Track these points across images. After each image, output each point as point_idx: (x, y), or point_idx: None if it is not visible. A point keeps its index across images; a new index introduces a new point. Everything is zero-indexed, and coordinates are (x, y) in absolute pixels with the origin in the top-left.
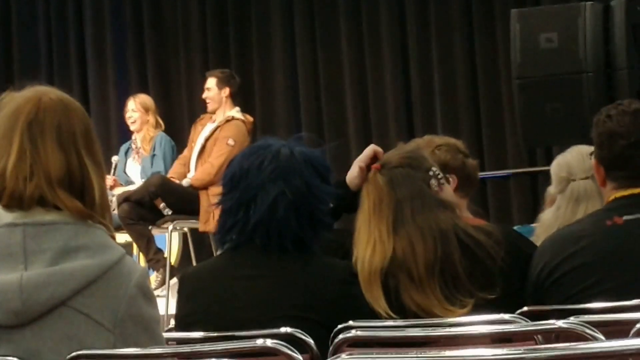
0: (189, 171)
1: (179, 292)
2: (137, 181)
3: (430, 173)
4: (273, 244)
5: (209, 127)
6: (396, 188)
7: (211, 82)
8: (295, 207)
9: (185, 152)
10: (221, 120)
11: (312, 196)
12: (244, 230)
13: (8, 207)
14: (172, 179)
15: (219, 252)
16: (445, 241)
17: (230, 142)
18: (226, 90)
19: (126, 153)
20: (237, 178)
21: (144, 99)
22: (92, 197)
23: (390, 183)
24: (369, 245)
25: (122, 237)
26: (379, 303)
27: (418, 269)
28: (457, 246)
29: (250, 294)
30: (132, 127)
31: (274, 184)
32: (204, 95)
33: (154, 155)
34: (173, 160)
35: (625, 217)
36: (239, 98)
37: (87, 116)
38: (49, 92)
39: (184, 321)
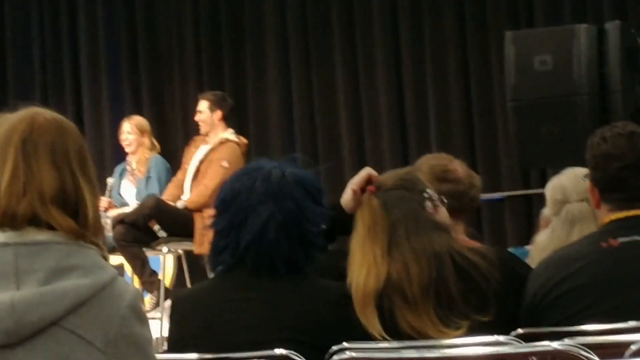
0: (182, 194)
1: (171, 316)
2: (132, 203)
3: (425, 195)
4: (264, 266)
5: (202, 149)
6: (390, 210)
7: (203, 105)
8: (286, 229)
9: (179, 174)
10: (215, 142)
11: (304, 218)
12: (235, 253)
13: (0, 226)
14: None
15: (211, 275)
16: (440, 263)
17: (225, 164)
18: (218, 113)
19: (121, 174)
20: (228, 200)
21: (139, 120)
22: (85, 215)
23: (385, 205)
24: (363, 267)
25: (114, 260)
26: (373, 325)
27: (412, 291)
28: (451, 268)
29: (243, 317)
30: (127, 149)
31: (264, 206)
32: (196, 118)
33: (148, 178)
34: (168, 182)
35: (620, 239)
36: (233, 119)
37: (81, 136)
38: (43, 112)
39: (177, 345)
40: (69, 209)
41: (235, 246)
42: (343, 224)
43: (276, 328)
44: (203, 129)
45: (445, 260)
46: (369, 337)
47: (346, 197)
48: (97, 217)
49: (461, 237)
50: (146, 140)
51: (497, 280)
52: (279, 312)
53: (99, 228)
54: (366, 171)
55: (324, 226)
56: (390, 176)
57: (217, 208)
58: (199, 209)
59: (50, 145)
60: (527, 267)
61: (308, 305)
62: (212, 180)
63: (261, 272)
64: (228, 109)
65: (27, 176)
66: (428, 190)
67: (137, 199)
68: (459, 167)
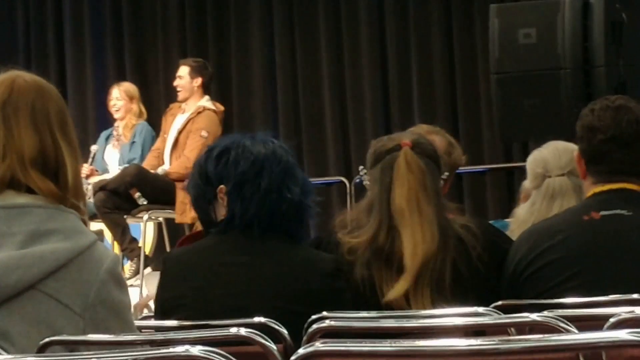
0: (162, 163)
1: (164, 272)
2: (114, 168)
3: (443, 176)
4: (264, 233)
5: (180, 119)
6: (429, 178)
7: (184, 71)
8: (286, 198)
9: (158, 143)
10: (192, 111)
11: (298, 188)
12: (242, 218)
13: None
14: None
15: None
16: (446, 245)
17: (204, 133)
18: (198, 80)
19: (107, 139)
20: (224, 170)
21: (128, 87)
22: (65, 178)
23: (426, 171)
24: (424, 226)
25: (94, 226)
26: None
27: (414, 264)
28: (453, 252)
29: (239, 281)
30: (115, 115)
31: (266, 174)
32: (175, 83)
33: (133, 143)
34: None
35: (602, 213)
36: (213, 88)
37: (62, 99)
38: (23, 75)
39: (171, 303)
40: (49, 172)
41: (243, 212)
42: None
43: (270, 296)
44: (182, 94)
45: (450, 242)
46: (357, 310)
47: None
48: (78, 180)
49: None
50: (134, 107)
51: (479, 255)
52: (274, 280)
53: (79, 191)
54: None
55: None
56: (425, 142)
57: (211, 178)
58: (181, 180)
59: (30, 107)
60: (509, 240)
61: (301, 275)
62: (192, 151)
63: (260, 238)
64: (208, 77)
65: (6, 139)
66: (446, 173)
67: (119, 164)
68: (436, 141)
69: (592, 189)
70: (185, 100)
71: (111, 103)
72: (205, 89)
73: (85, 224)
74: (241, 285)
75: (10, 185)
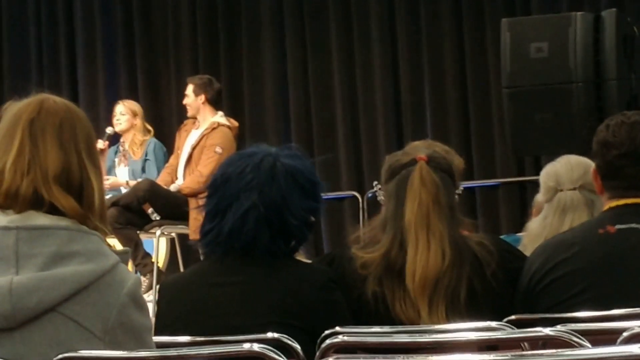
0: (176, 179)
1: (159, 301)
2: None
3: (458, 191)
4: (247, 253)
5: (194, 135)
6: (444, 193)
7: (189, 89)
8: (268, 220)
9: (172, 159)
10: (206, 127)
11: (287, 210)
12: (218, 238)
13: (3, 207)
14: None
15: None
16: (461, 261)
17: (218, 149)
18: (202, 97)
19: (115, 154)
20: (217, 184)
21: (131, 104)
22: (90, 198)
23: (441, 186)
24: (433, 243)
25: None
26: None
27: (414, 283)
28: (468, 268)
29: (232, 300)
30: (117, 128)
31: (248, 195)
32: (184, 102)
33: (146, 160)
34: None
35: (617, 226)
36: (225, 102)
37: (91, 125)
38: (53, 97)
39: (166, 329)
40: (73, 190)
41: (219, 232)
42: None
43: (264, 311)
44: (189, 112)
45: (466, 260)
46: (356, 322)
47: None
48: (103, 202)
49: None
50: (138, 123)
51: (494, 272)
52: (267, 296)
53: (104, 213)
54: None
55: (312, 218)
56: (440, 156)
57: (208, 190)
58: (194, 195)
59: (58, 126)
60: (523, 257)
61: (294, 288)
62: (206, 167)
63: (247, 257)
64: (213, 93)
65: (32, 154)
66: (461, 187)
67: (130, 179)
68: None
69: (607, 203)
70: (193, 117)
71: (115, 119)
72: (214, 104)
73: (109, 245)
74: (234, 304)
75: (32, 202)
